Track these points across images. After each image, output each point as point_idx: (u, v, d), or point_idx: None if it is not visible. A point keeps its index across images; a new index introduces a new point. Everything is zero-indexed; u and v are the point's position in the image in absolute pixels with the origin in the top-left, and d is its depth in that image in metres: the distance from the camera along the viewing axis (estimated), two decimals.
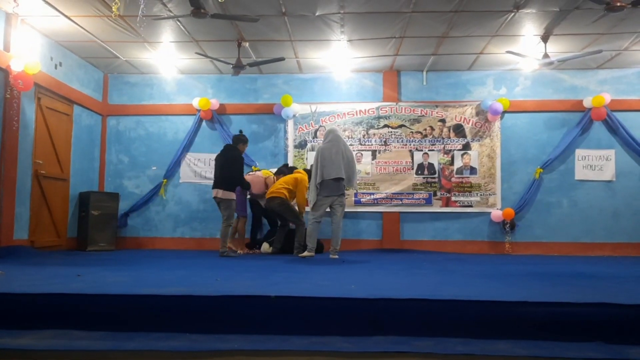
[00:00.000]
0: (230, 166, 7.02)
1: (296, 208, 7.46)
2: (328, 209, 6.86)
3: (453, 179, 8.83)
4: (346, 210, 8.59)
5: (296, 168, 8.12)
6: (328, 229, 8.77)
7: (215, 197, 7.05)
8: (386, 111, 8.97)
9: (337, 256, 6.76)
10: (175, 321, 2.74)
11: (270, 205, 7.42)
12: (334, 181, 6.67)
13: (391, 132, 8.94)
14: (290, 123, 9.04)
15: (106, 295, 2.93)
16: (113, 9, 5.97)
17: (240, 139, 7.31)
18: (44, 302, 2.86)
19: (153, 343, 2.51)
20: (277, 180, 7.68)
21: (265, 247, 7.75)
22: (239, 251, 7.67)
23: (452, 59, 8.47)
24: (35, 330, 2.70)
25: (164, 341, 2.54)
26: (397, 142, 8.92)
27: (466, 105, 8.92)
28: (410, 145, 8.92)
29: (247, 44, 7.75)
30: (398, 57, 8.40)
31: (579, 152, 8.75)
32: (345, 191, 6.91)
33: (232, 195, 7.02)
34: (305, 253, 6.72)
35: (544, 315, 2.67)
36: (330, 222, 6.86)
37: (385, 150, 8.93)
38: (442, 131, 8.91)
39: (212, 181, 7.23)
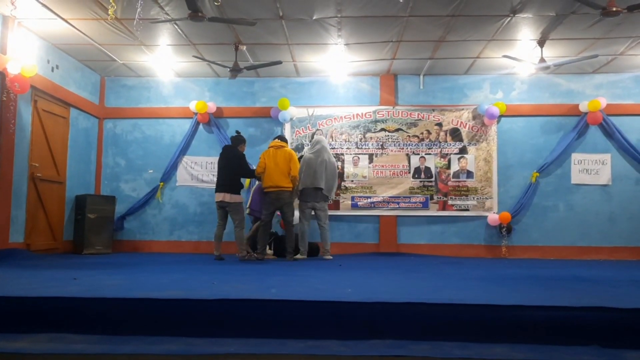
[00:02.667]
0: (236, 166, 7.00)
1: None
2: (313, 212, 7.55)
3: (450, 183, 8.85)
4: (343, 213, 8.80)
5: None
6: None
7: (221, 201, 6.93)
8: (383, 115, 8.99)
9: (330, 257, 7.38)
10: (172, 325, 2.73)
11: (280, 197, 7.00)
12: (313, 190, 7.36)
13: (388, 135, 8.95)
14: (287, 126, 9.05)
15: (102, 298, 2.93)
16: (109, 12, 5.97)
17: (239, 140, 7.31)
18: (39, 306, 2.85)
19: (149, 347, 2.50)
20: (265, 164, 7.06)
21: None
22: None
23: (449, 63, 8.49)
24: (31, 333, 2.69)
25: (161, 345, 2.53)
26: (394, 145, 8.94)
27: (463, 109, 8.94)
28: (407, 148, 8.93)
29: (244, 48, 7.76)
30: (395, 61, 8.42)
31: (575, 156, 8.78)
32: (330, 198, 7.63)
33: (240, 199, 7.03)
34: (298, 256, 7.25)
35: (540, 319, 2.67)
36: (318, 227, 7.56)
37: (382, 153, 8.94)
38: (438, 135, 8.93)
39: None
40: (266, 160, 7.09)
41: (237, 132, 7.62)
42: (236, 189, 6.98)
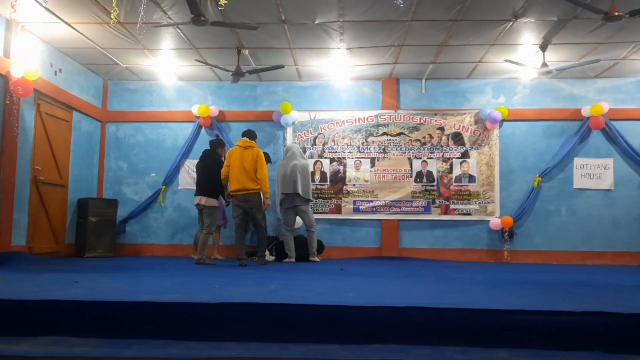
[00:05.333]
0: (211, 172, 6.95)
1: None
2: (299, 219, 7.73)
3: (452, 187, 8.84)
4: (345, 217, 8.80)
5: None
6: (327, 237, 8.80)
7: (198, 204, 6.97)
8: (385, 119, 8.99)
9: (317, 259, 7.49)
10: (173, 328, 2.73)
11: (248, 199, 6.64)
12: (289, 195, 7.44)
13: (390, 139, 8.95)
14: (289, 130, 9.06)
15: (104, 302, 2.92)
16: (112, 16, 5.99)
17: (217, 143, 7.28)
18: (41, 309, 2.85)
19: (151, 350, 2.50)
20: (230, 164, 6.71)
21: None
22: (219, 257, 7.95)
23: (451, 67, 8.50)
24: (32, 336, 2.69)
25: (162, 348, 2.53)
26: (396, 149, 8.93)
27: (465, 113, 8.94)
28: (409, 153, 8.93)
29: (246, 52, 7.78)
30: (397, 65, 8.42)
31: (578, 161, 8.77)
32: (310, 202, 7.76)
33: (216, 203, 6.94)
34: (287, 260, 7.42)
35: (542, 324, 2.66)
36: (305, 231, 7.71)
37: (384, 158, 8.93)
38: (440, 139, 8.92)
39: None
40: (232, 162, 6.66)
41: (217, 135, 7.87)
42: (212, 192, 6.88)
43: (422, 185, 8.87)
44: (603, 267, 7.58)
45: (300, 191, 7.44)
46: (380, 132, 8.98)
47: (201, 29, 6.45)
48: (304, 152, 8.93)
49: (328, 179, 8.93)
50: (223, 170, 6.77)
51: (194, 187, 8.97)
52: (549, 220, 8.73)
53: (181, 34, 7.18)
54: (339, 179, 8.93)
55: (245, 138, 6.90)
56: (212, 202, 6.88)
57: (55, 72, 7.79)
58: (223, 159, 7.20)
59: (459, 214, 8.79)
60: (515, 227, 8.61)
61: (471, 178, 8.84)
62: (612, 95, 8.79)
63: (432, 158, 8.90)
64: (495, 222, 8.60)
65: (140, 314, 2.80)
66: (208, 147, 7.33)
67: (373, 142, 8.97)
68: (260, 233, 6.84)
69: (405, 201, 8.84)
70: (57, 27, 6.93)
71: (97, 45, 7.61)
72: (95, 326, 2.76)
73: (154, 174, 9.16)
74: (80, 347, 2.55)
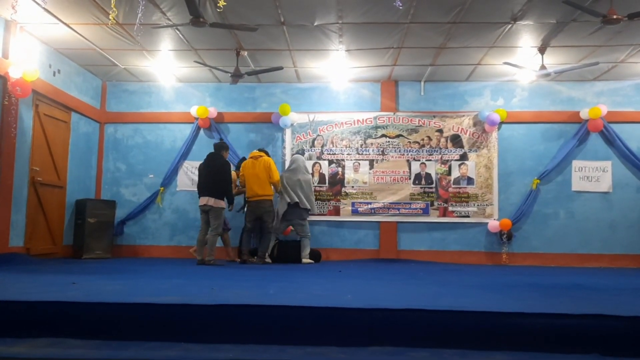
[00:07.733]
0: (219, 174, 7.07)
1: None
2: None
3: (450, 189, 8.85)
4: (344, 219, 8.83)
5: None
6: (326, 239, 8.80)
7: (204, 205, 7.01)
8: (384, 121, 9.00)
9: (308, 261, 7.62)
10: (171, 330, 2.72)
11: (260, 205, 7.37)
12: (293, 207, 7.62)
13: (389, 141, 8.96)
14: (288, 132, 9.06)
15: (101, 303, 2.92)
16: (110, 17, 5.99)
17: (222, 147, 7.41)
18: (39, 310, 2.84)
19: (148, 352, 2.50)
20: (244, 174, 7.55)
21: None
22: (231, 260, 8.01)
23: (450, 69, 8.51)
24: (29, 338, 2.68)
25: (159, 350, 2.52)
26: (395, 151, 8.94)
27: (464, 115, 8.95)
28: (407, 155, 8.94)
29: (245, 53, 7.78)
30: (396, 68, 8.43)
31: (576, 164, 8.78)
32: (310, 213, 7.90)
33: (223, 204, 7.07)
34: (267, 259, 7.57)
35: (540, 327, 2.66)
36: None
37: (382, 160, 8.94)
38: (439, 141, 8.93)
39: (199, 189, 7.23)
40: (245, 172, 7.50)
41: (220, 139, 8.22)
42: (220, 194, 7.02)
43: (421, 188, 8.87)
44: (601, 270, 7.59)
45: (305, 205, 7.67)
46: (379, 134, 8.98)
47: (200, 30, 6.45)
48: (303, 154, 8.94)
49: (327, 181, 8.93)
50: (240, 180, 7.70)
51: (193, 189, 9.06)
52: (547, 222, 8.73)
53: (180, 35, 7.18)
54: (337, 181, 8.94)
55: (256, 150, 7.74)
56: (220, 203, 7.02)
57: (54, 73, 7.79)
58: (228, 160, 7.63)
59: (457, 217, 8.80)
60: (513, 230, 8.61)
61: (470, 180, 8.85)
62: (611, 98, 8.81)
63: (430, 160, 8.91)
64: (493, 224, 8.61)
65: (138, 315, 2.80)
66: (211, 151, 7.43)
67: (372, 144, 8.97)
68: (267, 237, 7.44)
69: (404, 203, 8.84)
70: (56, 28, 6.93)
71: (96, 46, 7.60)
72: (92, 328, 2.75)
73: (152, 175, 9.15)
74: (78, 349, 2.54)
